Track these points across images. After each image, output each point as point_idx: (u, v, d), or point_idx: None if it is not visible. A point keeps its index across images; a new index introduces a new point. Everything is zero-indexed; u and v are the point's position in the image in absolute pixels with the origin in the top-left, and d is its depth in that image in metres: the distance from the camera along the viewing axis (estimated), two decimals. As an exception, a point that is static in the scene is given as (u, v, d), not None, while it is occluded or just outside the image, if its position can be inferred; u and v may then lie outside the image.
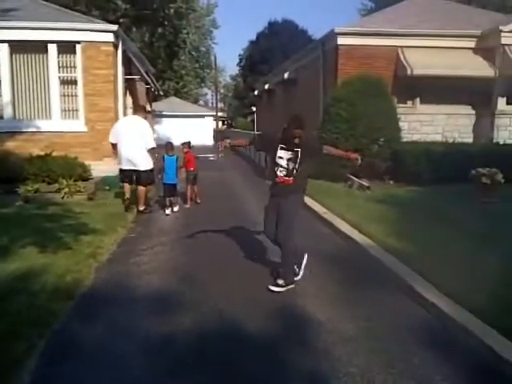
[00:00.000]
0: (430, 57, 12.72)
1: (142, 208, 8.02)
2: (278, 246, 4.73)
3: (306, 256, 4.87)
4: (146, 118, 8.44)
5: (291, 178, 4.55)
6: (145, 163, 7.81)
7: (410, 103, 13.38)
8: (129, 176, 7.89)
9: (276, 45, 36.57)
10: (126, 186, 8.00)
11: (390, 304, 4.26)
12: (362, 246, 5.90)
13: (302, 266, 4.82)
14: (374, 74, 11.91)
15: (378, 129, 11.06)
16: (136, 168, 7.76)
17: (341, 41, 13.10)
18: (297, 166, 4.52)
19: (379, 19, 14.17)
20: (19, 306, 3.88)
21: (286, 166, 4.53)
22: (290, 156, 4.51)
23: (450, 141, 11.96)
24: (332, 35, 13.37)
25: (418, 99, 13.34)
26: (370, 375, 3.05)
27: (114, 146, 7.94)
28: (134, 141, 7.66)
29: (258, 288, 4.61)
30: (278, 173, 4.57)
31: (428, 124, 13.25)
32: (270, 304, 4.24)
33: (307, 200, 9.14)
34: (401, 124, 11.84)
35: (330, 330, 3.70)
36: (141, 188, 7.91)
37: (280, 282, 4.55)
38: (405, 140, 11.90)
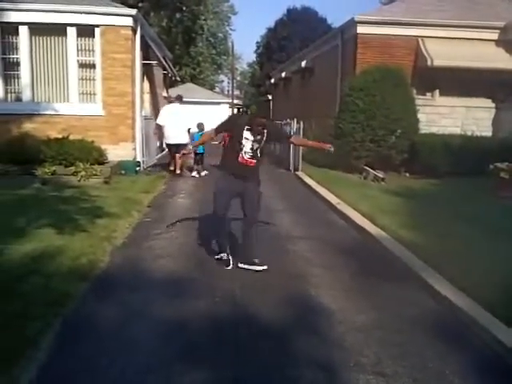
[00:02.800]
0: (451, 48, 12.48)
1: (178, 171, 10.95)
2: (224, 224, 4.90)
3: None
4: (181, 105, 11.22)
5: (254, 161, 4.65)
6: (184, 138, 10.52)
7: (428, 95, 13.17)
8: (173, 148, 10.67)
9: (294, 32, 36.15)
10: (177, 156, 10.73)
11: (402, 296, 4.25)
12: (375, 238, 5.87)
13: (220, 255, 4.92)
14: (393, 64, 11.75)
15: (396, 120, 10.95)
16: (178, 142, 10.33)
17: (360, 29, 12.92)
18: (260, 149, 4.63)
19: (400, 8, 13.91)
20: (35, 287, 3.93)
21: (251, 147, 4.60)
22: (256, 138, 4.59)
23: (469, 134, 11.79)
24: (352, 24, 13.19)
25: (437, 91, 13.12)
26: (380, 366, 3.05)
27: (160, 126, 11.13)
28: (178, 122, 10.56)
29: (272, 276, 4.63)
30: (242, 154, 4.61)
31: (447, 116, 13.04)
32: (282, 292, 4.26)
33: (321, 190, 9.15)
34: (419, 116, 11.68)
35: (341, 320, 3.70)
36: (181, 155, 10.21)
37: (258, 260, 4.75)
38: (422, 132, 11.75)
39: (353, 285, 4.51)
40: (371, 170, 10.70)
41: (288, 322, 3.70)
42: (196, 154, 10.91)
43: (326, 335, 3.48)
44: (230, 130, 4.97)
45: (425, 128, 12.06)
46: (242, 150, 4.60)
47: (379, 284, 4.53)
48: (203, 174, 11.25)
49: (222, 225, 4.91)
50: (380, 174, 10.36)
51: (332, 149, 4.95)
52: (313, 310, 3.92)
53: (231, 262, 4.81)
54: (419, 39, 12.83)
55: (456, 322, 3.74)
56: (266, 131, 4.61)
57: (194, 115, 11.37)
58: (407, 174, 11.17)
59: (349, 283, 4.55)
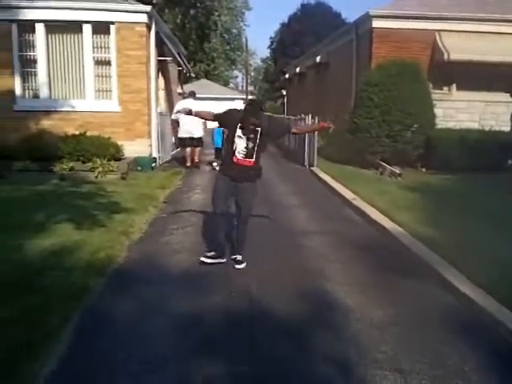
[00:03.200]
0: (468, 41, 12.28)
1: (196, 160, 11.56)
2: (221, 223, 4.79)
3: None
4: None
5: (251, 160, 4.52)
6: (199, 132, 11.26)
7: (445, 89, 12.99)
8: (187, 141, 11.34)
9: (308, 28, 35.94)
10: (187, 150, 11.50)
11: (419, 292, 4.22)
12: (391, 233, 5.83)
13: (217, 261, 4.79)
14: (409, 59, 11.60)
15: (412, 115, 10.83)
16: (193, 136, 11.16)
17: (376, 24, 12.78)
18: (256, 147, 4.49)
19: (416, 2, 13.70)
20: (54, 281, 4.00)
21: (245, 145, 4.48)
22: (249, 136, 4.45)
23: (487, 129, 11.62)
24: (367, 18, 13.06)
25: (454, 85, 12.94)
26: (397, 362, 3.04)
27: (175, 121, 11.74)
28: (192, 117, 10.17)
29: (287, 271, 4.64)
30: (236, 153, 4.51)
31: (464, 111, 12.86)
32: (298, 287, 4.26)
33: (336, 185, 9.11)
34: (435, 110, 11.53)
35: (358, 316, 3.69)
36: (195, 149, 11.48)
37: (240, 257, 4.76)
38: (439, 127, 11.61)
39: (369, 280, 4.49)
40: (387, 166, 10.61)
41: (304, 317, 3.70)
42: (216, 149, 11.62)
43: (342, 331, 3.48)
44: (224, 125, 4.92)
45: (441, 123, 11.91)
46: (236, 149, 4.50)
47: (396, 280, 4.51)
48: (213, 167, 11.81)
49: (219, 224, 4.82)
50: (396, 170, 10.27)
51: (332, 126, 4.74)
52: (329, 306, 3.92)
53: (210, 260, 4.73)
54: (436, 33, 12.65)
55: (474, 319, 3.70)
56: (259, 130, 4.44)
57: (207, 109, 11.42)
58: (424, 170, 11.05)
59: (365, 279, 4.53)
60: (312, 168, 11.92)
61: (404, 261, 5.08)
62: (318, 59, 18.36)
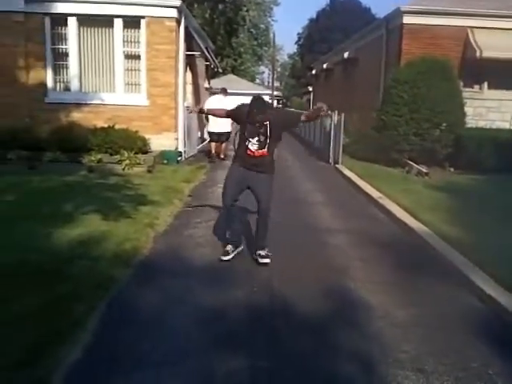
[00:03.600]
0: (501, 39, 11.96)
1: (222, 156, 11.93)
2: (231, 215, 4.82)
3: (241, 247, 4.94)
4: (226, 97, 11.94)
5: (264, 150, 4.55)
6: (227, 127, 11.39)
7: (476, 87, 12.70)
8: (215, 136, 11.82)
9: (337, 23, 35.61)
10: (212, 144, 12.00)
11: (443, 293, 4.17)
12: (417, 233, 5.76)
13: (236, 251, 4.83)
14: (440, 56, 11.39)
15: (441, 113, 10.65)
16: (221, 131, 11.47)
17: (406, 20, 12.58)
18: (268, 140, 4.51)
19: (448, -3, 13.45)
20: (81, 270, 4.09)
21: (257, 138, 4.52)
22: (259, 130, 4.48)
23: (519, 129, 11.33)
24: (397, 14, 12.86)
25: (485, 83, 12.63)
26: (419, 363, 3.01)
27: (207, 116, 12.14)
28: None
29: (310, 268, 4.64)
30: (249, 146, 4.54)
31: (495, 110, 12.55)
32: (320, 284, 4.26)
33: (361, 183, 9.04)
34: (466, 109, 11.31)
35: (380, 315, 3.67)
36: (221, 143, 11.99)
37: (264, 252, 4.70)
38: (469, 126, 11.38)
39: (393, 279, 4.46)
40: (414, 165, 10.46)
41: (326, 314, 3.70)
42: None
43: (364, 329, 3.46)
44: (235, 120, 4.93)
45: (471, 122, 11.68)
46: (248, 142, 4.54)
47: (420, 279, 4.46)
48: None
49: (228, 216, 4.86)
50: (423, 169, 10.12)
51: (326, 112, 4.61)
52: (351, 304, 3.91)
53: (230, 255, 4.75)
54: (468, 30, 12.37)
55: (499, 322, 3.63)
56: (268, 123, 4.44)
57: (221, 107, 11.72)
58: (452, 169, 10.85)
59: (389, 278, 4.50)
60: (337, 165, 11.84)
61: (428, 261, 5.02)
62: (346, 55, 18.18)
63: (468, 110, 11.49)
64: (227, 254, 4.75)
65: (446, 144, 10.82)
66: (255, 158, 4.57)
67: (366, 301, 3.93)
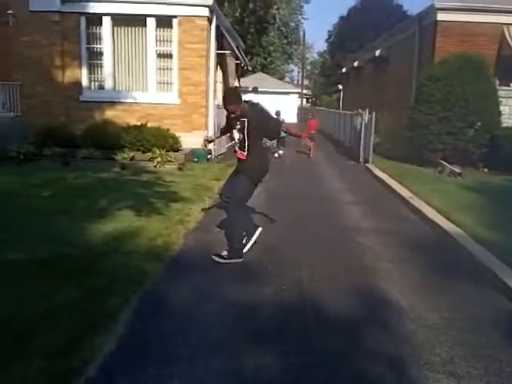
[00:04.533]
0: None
1: None
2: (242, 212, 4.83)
3: (259, 230, 4.90)
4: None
5: (244, 153, 4.59)
6: None
7: (513, 86, 12.37)
8: None
9: (368, 21, 35.11)
10: None
11: (477, 296, 4.09)
12: (449, 234, 5.66)
13: (252, 239, 4.82)
14: (475, 53, 11.13)
15: (476, 112, 10.41)
16: None
17: (440, 16, 12.34)
18: (246, 140, 4.53)
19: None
20: (115, 264, 4.20)
21: (238, 137, 4.59)
22: (238, 127, 4.56)
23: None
24: (431, 10, 12.62)
25: (522, 82, 12.29)
26: (452, 366, 2.97)
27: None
28: None
29: (340, 268, 4.63)
30: (236, 146, 4.67)
31: (532, 109, 12.19)
32: (351, 284, 4.25)
33: (392, 183, 8.93)
34: (501, 108, 11.01)
35: (411, 317, 3.63)
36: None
37: (224, 253, 4.65)
38: (504, 125, 11.08)
39: (424, 281, 4.40)
40: (447, 164, 10.26)
41: (355, 314, 3.68)
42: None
43: (395, 331, 3.43)
44: (228, 129, 4.95)
45: (507, 121, 11.37)
46: (234, 142, 4.66)
47: (452, 282, 4.38)
48: (278, 154, 13.58)
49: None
50: (456, 169, 9.92)
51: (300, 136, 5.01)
52: (382, 305, 3.87)
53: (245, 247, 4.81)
54: (504, 27, 12.06)
55: (536, 327, 3.55)
56: (246, 120, 4.47)
57: (266, 103, 11.98)
58: (485, 170, 10.60)
59: (420, 279, 4.44)
60: (367, 165, 11.73)
61: (461, 263, 4.93)
62: (377, 53, 17.96)
63: (504, 108, 11.20)
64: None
65: (480, 144, 10.57)
66: (240, 159, 4.70)
67: (396, 302, 3.89)
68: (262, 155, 4.84)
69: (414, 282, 4.36)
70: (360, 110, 13.31)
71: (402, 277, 4.48)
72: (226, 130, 5.00)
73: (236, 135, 4.65)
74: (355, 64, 22.90)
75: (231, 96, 4.60)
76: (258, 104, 4.75)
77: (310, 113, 16.93)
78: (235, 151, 4.75)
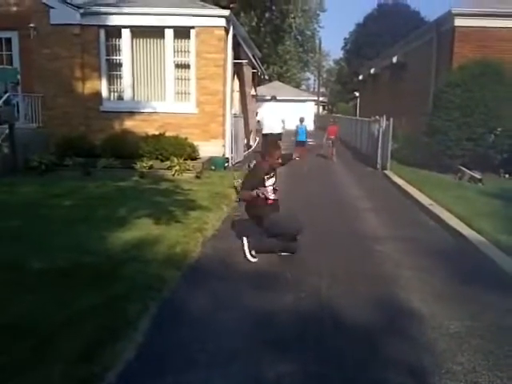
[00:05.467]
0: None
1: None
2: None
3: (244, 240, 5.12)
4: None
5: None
6: (279, 129, 12.55)
7: (534, 91, 12.14)
8: (269, 137, 12.16)
9: (385, 27, 34.97)
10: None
11: (500, 305, 3.99)
12: (471, 242, 5.57)
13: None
14: (494, 59, 10.99)
15: (496, 118, 10.27)
16: (273, 132, 12.34)
17: (458, 22, 12.23)
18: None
19: (500, -2, 12.96)
20: (134, 272, 4.24)
21: (272, 183, 5.27)
22: (272, 173, 5.31)
23: None
24: (448, 16, 12.52)
25: (544, 86, 12.05)
26: (474, 375, 2.91)
27: (259, 122, 13.66)
28: (273, 116, 12.73)
29: (359, 276, 4.59)
30: (269, 194, 5.11)
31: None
32: (370, 292, 4.21)
33: (411, 190, 8.84)
34: (522, 113, 10.82)
35: (432, 325, 3.58)
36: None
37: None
38: (526, 131, 10.88)
39: (445, 289, 4.33)
40: (467, 170, 10.12)
41: (375, 322, 3.65)
42: (297, 142, 14.09)
43: (415, 339, 3.38)
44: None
45: (529, 127, 11.14)
46: (264, 188, 5.17)
47: (474, 290, 4.30)
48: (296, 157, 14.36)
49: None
50: (476, 175, 9.78)
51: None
52: (402, 313, 3.82)
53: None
54: (526, 31, 11.87)
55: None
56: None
57: (284, 110, 13.37)
58: (507, 176, 10.42)
59: (441, 288, 4.37)
60: (385, 171, 11.64)
61: (483, 271, 4.84)
62: (394, 60, 17.87)
63: (525, 114, 10.98)
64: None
65: (501, 149, 10.40)
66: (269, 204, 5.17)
67: (417, 310, 3.84)
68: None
69: (434, 291, 4.29)
70: (377, 117, 13.25)
71: (422, 285, 4.42)
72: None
73: (270, 181, 5.16)
74: (372, 71, 22.82)
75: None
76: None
77: (332, 119, 17.48)
78: (266, 198, 4.96)
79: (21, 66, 11.59)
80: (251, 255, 4.95)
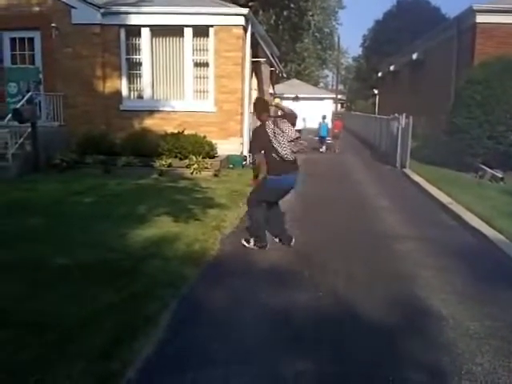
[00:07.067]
0: None
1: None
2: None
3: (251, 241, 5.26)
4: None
5: None
6: (299, 126, 12.79)
7: (558, 87, 11.87)
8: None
9: (404, 24, 34.61)
10: None
11: (522, 306, 3.95)
12: (492, 241, 5.50)
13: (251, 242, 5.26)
14: (518, 55, 10.80)
15: (519, 115, 10.07)
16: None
17: (479, 19, 12.06)
18: None
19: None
20: (154, 269, 4.31)
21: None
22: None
23: None
24: (470, 13, 12.36)
25: None
26: (494, 376, 2.88)
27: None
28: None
29: (378, 275, 4.58)
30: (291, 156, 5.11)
31: None
32: (389, 292, 4.19)
33: (430, 188, 8.74)
34: (546, 111, 10.60)
35: (452, 325, 3.55)
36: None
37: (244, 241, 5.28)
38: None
39: (465, 289, 4.28)
40: (488, 169, 9.97)
41: (394, 322, 3.63)
42: (320, 137, 16.64)
43: (435, 339, 3.36)
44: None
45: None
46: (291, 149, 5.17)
47: (495, 291, 4.25)
48: (323, 149, 16.85)
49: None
50: (498, 174, 9.62)
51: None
52: (421, 313, 3.80)
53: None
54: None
55: None
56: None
57: (303, 108, 13.17)
58: (530, 175, 10.23)
59: (461, 288, 4.33)
60: (404, 169, 11.53)
61: (504, 270, 4.78)
62: (414, 56, 17.70)
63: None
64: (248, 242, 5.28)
65: (524, 148, 10.22)
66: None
67: (436, 311, 3.81)
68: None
69: (454, 290, 4.25)
70: (396, 115, 13.13)
71: (442, 285, 4.38)
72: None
73: (283, 138, 4.96)
74: (391, 68, 22.62)
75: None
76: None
77: (337, 116, 19.41)
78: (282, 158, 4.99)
79: (43, 65, 11.79)
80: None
